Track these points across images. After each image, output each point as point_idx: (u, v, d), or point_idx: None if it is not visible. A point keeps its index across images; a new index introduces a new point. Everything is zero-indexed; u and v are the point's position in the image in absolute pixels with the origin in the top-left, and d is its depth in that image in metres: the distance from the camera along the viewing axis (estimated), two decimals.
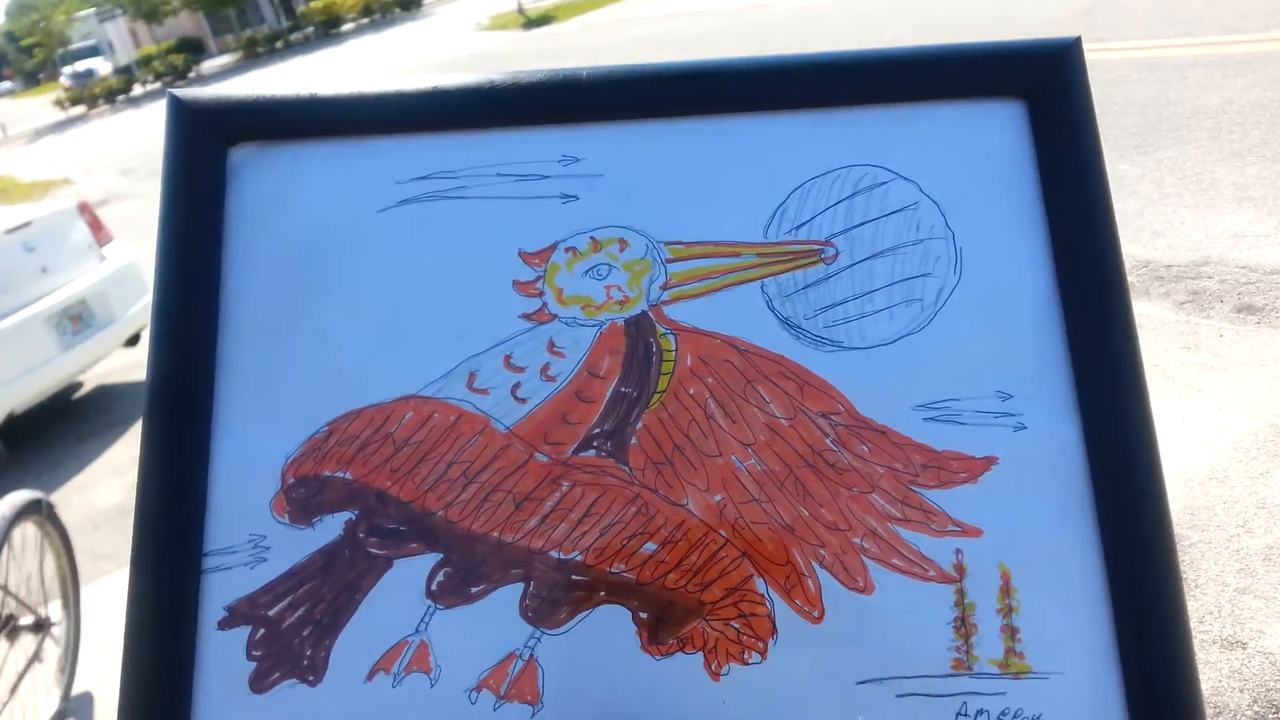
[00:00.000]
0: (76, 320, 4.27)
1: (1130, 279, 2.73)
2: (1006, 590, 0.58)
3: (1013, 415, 0.61)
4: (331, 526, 0.60)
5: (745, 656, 0.58)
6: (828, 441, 0.61)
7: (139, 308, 4.64)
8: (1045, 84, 0.65)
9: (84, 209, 4.62)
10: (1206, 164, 3.66)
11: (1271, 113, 3.98)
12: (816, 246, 0.64)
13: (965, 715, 0.57)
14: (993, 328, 0.62)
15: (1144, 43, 5.54)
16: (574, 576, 0.59)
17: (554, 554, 0.59)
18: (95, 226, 4.61)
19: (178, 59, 14.86)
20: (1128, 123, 4.27)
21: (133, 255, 4.78)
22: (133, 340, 4.71)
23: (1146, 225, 3.28)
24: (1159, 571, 0.58)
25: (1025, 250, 0.63)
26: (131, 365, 5.02)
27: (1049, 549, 0.59)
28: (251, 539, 0.59)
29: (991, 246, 0.63)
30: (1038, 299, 0.62)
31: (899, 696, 0.57)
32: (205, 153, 0.65)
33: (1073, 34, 0.68)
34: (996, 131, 0.66)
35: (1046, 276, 0.63)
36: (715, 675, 0.57)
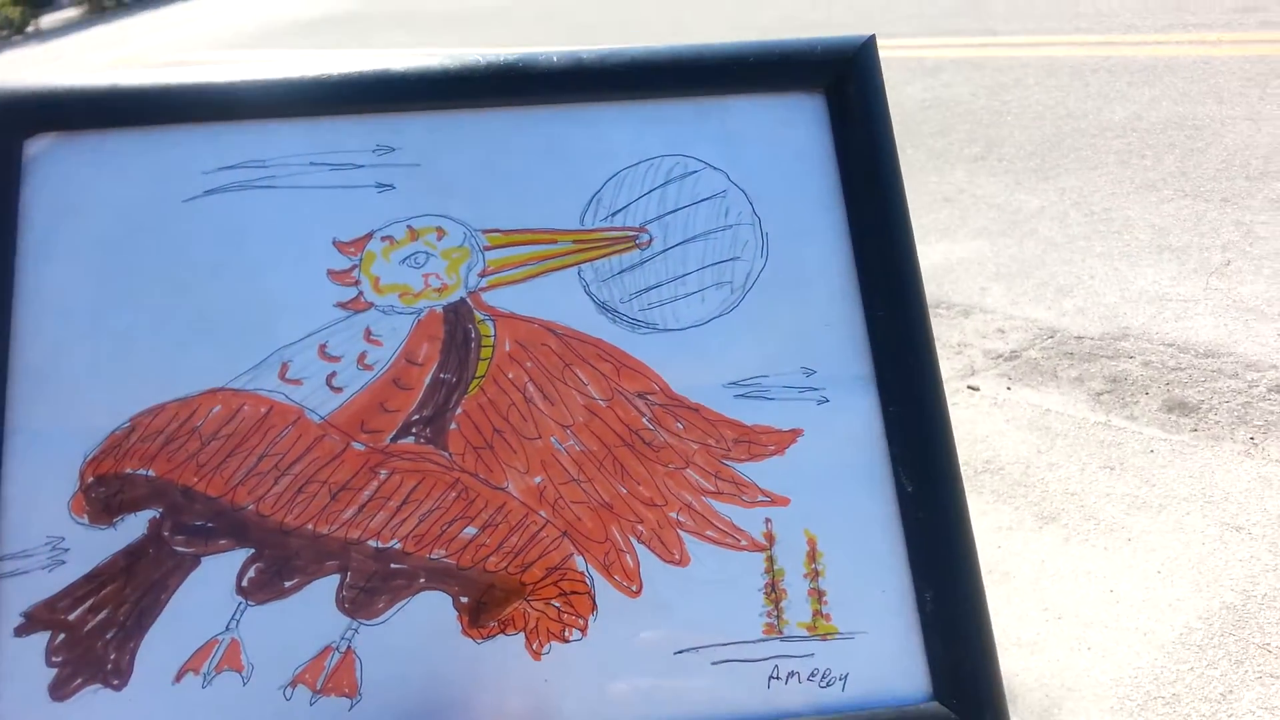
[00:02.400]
0: None
1: (1033, 353, 2.45)
2: (813, 555, 0.63)
3: (816, 389, 0.65)
4: (134, 525, 0.59)
5: (566, 634, 0.60)
6: (644, 421, 0.64)
7: None
8: (842, 79, 0.71)
9: None
10: (1117, 197, 3.29)
11: (1185, 133, 3.65)
12: (631, 232, 0.68)
13: (777, 678, 0.61)
14: (797, 308, 0.67)
15: (1040, 38, 5.08)
16: (393, 565, 0.60)
17: (372, 543, 0.61)
18: None
19: (14, 12, 13.82)
20: (1024, 138, 3.93)
21: None
22: None
23: (1051, 278, 2.80)
24: (952, 534, 0.63)
25: (826, 234, 0.68)
26: None
27: (852, 515, 0.64)
28: (49, 541, 0.59)
29: (796, 231, 0.69)
30: (838, 280, 0.68)
31: (714, 664, 0.61)
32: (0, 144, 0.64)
33: (868, 32, 0.74)
34: (799, 124, 0.71)
35: (846, 259, 0.68)
36: (537, 655, 0.60)
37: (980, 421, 2.30)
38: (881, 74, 0.71)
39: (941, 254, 3.14)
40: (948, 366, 2.56)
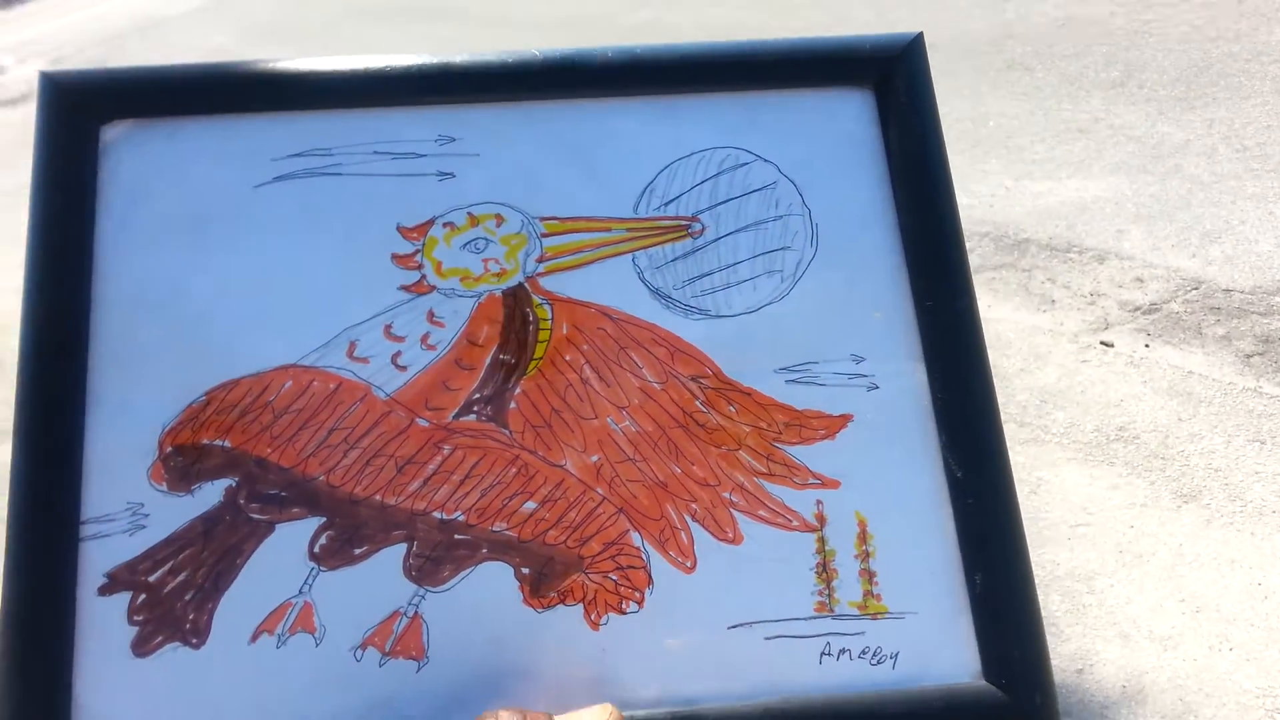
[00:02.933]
0: None
1: (1175, 306, 2.25)
2: (864, 537, 0.66)
3: (866, 376, 0.68)
4: (211, 493, 0.63)
5: (623, 606, 0.63)
6: (697, 403, 0.67)
7: None
8: (891, 74, 0.74)
9: None
10: (1273, 130, 2.89)
11: None
12: (684, 221, 0.71)
13: (829, 654, 0.64)
14: (847, 297, 0.70)
15: None
16: (456, 536, 0.63)
17: (436, 515, 0.64)
18: None
19: None
20: (1167, 63, 3.47)
21: None
22: None
23: (1196, 222, 2.52)
24: (1001, 517, 0.66)
25: (875, 225, 0.71)
26: None
27: (902, 498, 0.66)
28: (129, 506, 0.62)
29: (845, 222, 0.72)
30: (887, 271, 0.71)
31: (767, 639, 0.64)
32: (77, 131, 0.68)
33: (915, 29, 0.77)
34: (848, 118, 0.74)
35: (895, 250, 0.71)
36: (595, 625, 0.63)
37: (1114, 383, 2.12)
38: (929, 70, 0.74)
39: (1074, 191, 2.88)
40: (1079, 318, 2.36)
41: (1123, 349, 2.19)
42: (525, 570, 0.64)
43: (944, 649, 0.65)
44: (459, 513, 0.64)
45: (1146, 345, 2.18)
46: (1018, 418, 2.15)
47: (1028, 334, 2.46)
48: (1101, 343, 2.22)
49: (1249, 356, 2.08)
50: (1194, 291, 2.31)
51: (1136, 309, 2.30)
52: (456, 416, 0.66)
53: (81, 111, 0.69)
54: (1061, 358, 2.32)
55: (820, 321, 0.70)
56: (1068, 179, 2.94)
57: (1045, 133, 3.33)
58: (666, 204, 0.72)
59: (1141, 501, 1.76)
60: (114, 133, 0.70)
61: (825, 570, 0.65)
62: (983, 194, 3.11)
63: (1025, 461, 2.04)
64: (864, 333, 0.70)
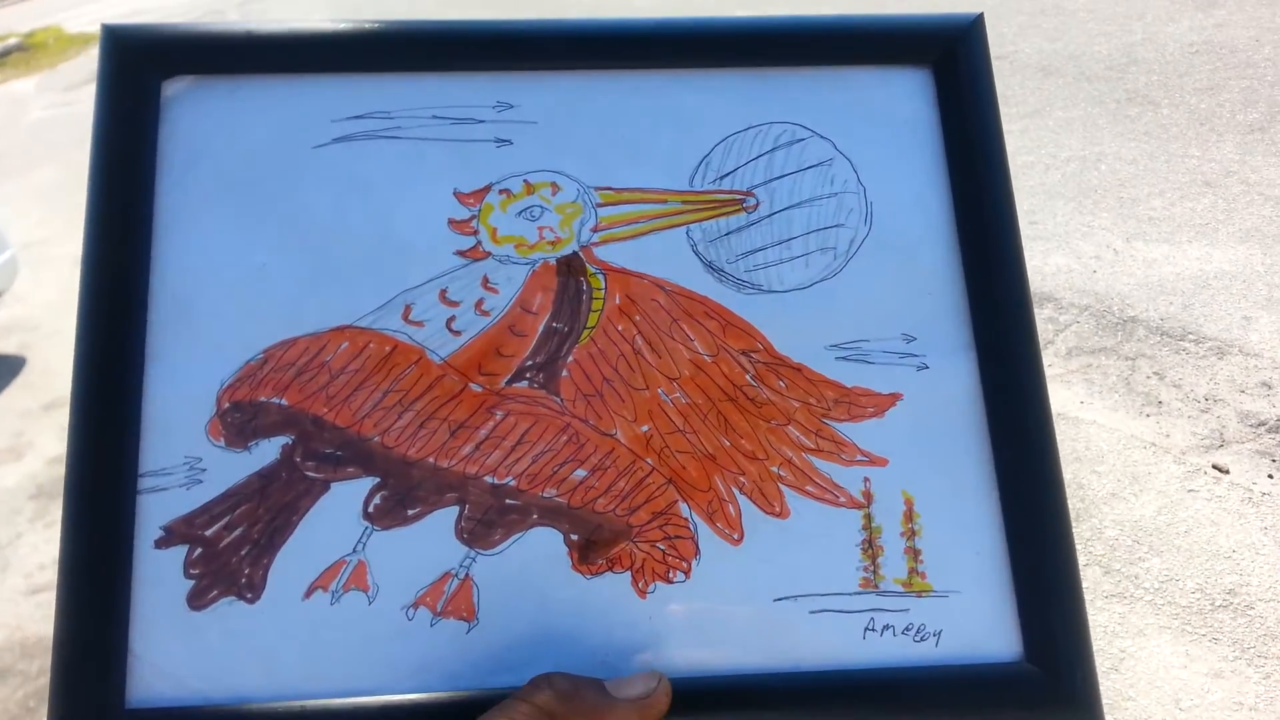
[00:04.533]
0: None
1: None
2: (910, 515, 0.65)
3: (916, 356, 0.68)
4: (268, 450, 0.63)
5: (670, 575, 0.63)
6: (748, 377, 0.67)
7: None
8: (951, 55, 0.73)
9: None
10: None
11: None
12: (739, 196, 0.70)
13: (873, 630, 0.64)
14: (899, 276, 0.69)
15: None
16: (507, 500, 0.63)
17: (488, 479, 0.64)
18: None
19: None
20: None
21: None
22: None
23: None
24: (1047, 499, 0.66)
25: (930, 205, 0.71)
26: None
27: (949, 478, 0.66)
28: (187, 461, 0.62)
29: (900, 201, 0.71)
30: (940, 250, 0.70)
31: (812, 612, 0.63)
32: (139, 84, 0.67)
33: (977, 9, 0.76)
34: (906, 96, 0.73)
35: (949, 229, 0.70)
36: (642, 593, 0.63)
37: (1226, 525, 1.65)
38: (989, 51, 0.73)
39: (1195, 261, 2.40)
40: (1188, 429, 1.86)
41: (1240, 478, 1.75)
42: (574, 536, 0.64)
43: (987, 628, 0.64)
44: (510, 478, 0.64)
45: (1270, 476, 1.72)
46: (1103, 560, 1.72)
47: (1124, 445, 2.00)
48: (1214, 467, 1.80)
49: None
50: None
51: (1261, 424, 1.84)
52: (509, 383, 0.66)
53: (143, 65, 0.68)
54: (1164, 482, 1.87)
55: (872, 300, 0.69)
56: (1188, 244, 2.48)
57: (1166, 184, 2.82)
58: (722, 177, 0.71)
59: (1252, 703, 1.31)
60: (175, 88, 0.69)
61: (871, 547, 0.65)
62: (1086, 254, 2.64)
63: (1107, 624, 1.62)
64: (915, 312, 0.69)
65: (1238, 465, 1.75)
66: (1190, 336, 2.12)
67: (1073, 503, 1.95)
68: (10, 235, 4.52)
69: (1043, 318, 2.76)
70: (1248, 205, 2.57)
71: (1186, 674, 1.50)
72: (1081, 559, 1.71)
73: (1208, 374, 2.01)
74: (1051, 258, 2.98)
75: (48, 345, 4.72)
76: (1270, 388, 1.88)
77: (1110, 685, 1.53)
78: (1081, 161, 3.27)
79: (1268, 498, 1.60)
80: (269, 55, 0.70)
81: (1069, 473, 1.99)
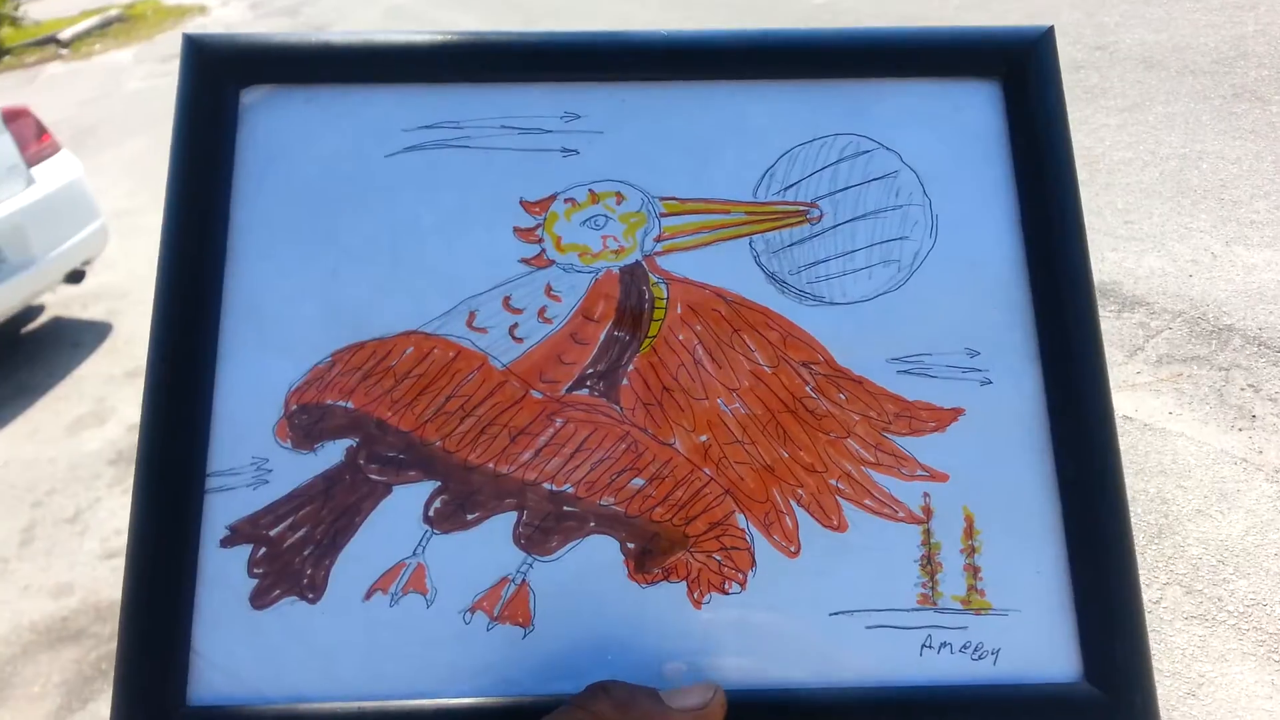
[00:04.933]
0: None
1: None
2: (970, 532, 0.64)
3: (979, 371, 0.67)
4: (333, 452, 0.64)
5: (726, 587, 0.63)
6: (808, 389, 0.66)
7: (80, 238, 4.03)
8: (1020, 68, 0.72)
9: (14, 116, 3.90)
10: None
11: None
12: (803, 207, 0.70)
13: (930, 647, 0.63)
14: (963, 290, 0.68)
15: None
16: (565, 507, 0.64)
17: (547, 485, 0.64)
18: (30, 138, 3.93)
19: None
20: None
21: (76, 172, 4.17)
22: (74, 276, 4.17)
23: None
24: (1111, 519, 0.64)
25: (996, 219, 0.70)
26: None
27: (1010, 495, 0.65)
28: (254, 462, 0.63)
29: (965, 214, 0.70)
30: (1006, 265, 0.69)
31: (869, 628, 0.63)
32: (218, 92, 0.69)
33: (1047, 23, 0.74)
34: (974, 109, 0.72)
35: (1015, 244, 0.69)
36: (698, 603, 0.63)
37: None
38: (1059, 65, 0.72)
39: None
40: None
41: None
42: (631, 545, 0.64)
43: (1046, 648, 0.63)
44: (568, 485, 0.64)
45: None
46: (1185, 580, 1.63)
47: (1213, 460, 1.91)
48: None
49: None
50: None
51: None
52: (569, 390, 0.66)
53: (222, 74, 0.70)
54: (1254, 501, 1.79)
55: (935, 314, 0.68)
56: None
57: (1272, 186, 2.75)
58: (786, 188, 0.71)
59: None
60: (253, 96, 0.71)
61: (930, 563, 0.64)
62: (1182, 257, 2.57)
63: (1186, 647, 1.51)
64: (979, 327, 0.68)
65: None
66: None
67: (1155, 518, 1.84)
68: (101, 204, 4.58)
69: (1133, 323, 2.67)
70: None
71: (1272, 704, 1.43)
72: (1162, 577, 1.64)
73: None
74: (1145, 259, 2.86)
75: (134, 313, 4.82)
76: None
77: (1187, 711, 1.45)
78: (1182, 159, 3.11)
79: None
80: (343, 65, 0.71)
81: (1153, 486, 1.88)
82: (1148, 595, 1.68)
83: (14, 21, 13.79)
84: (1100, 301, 2.78)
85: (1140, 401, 2.30)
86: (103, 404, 4.06)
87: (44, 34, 13.13)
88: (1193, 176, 3.04)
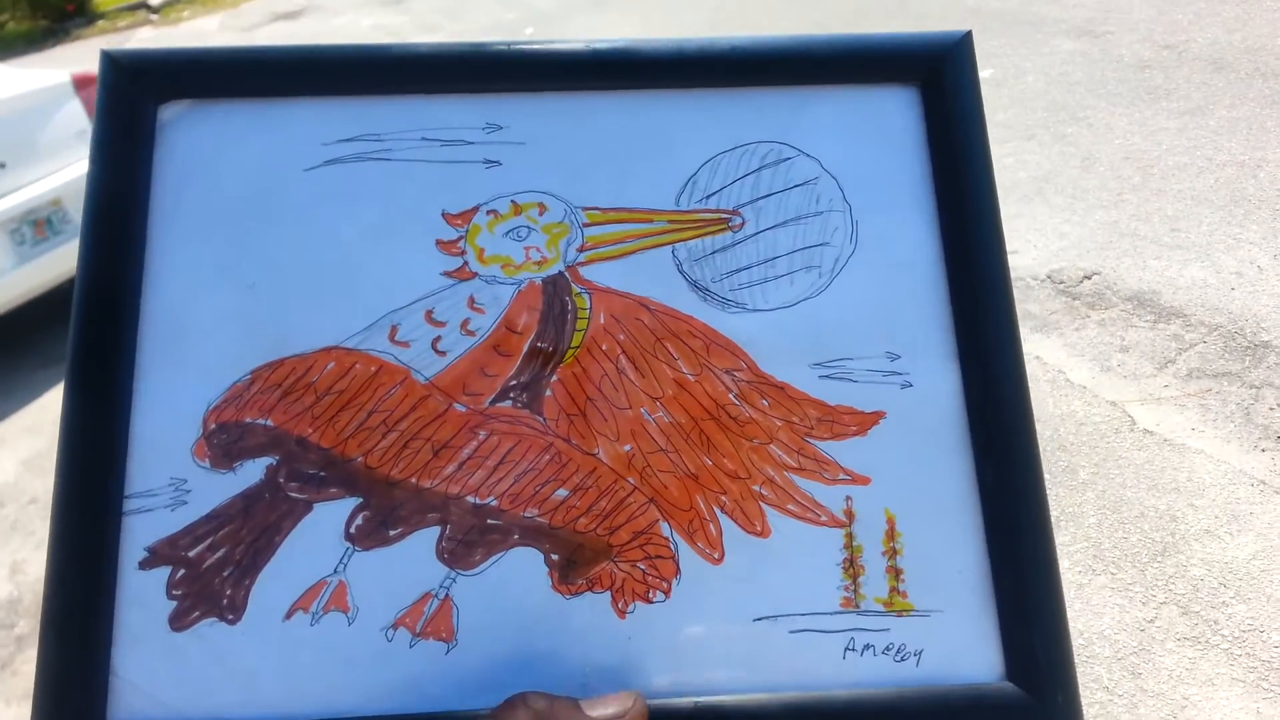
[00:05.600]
0: (42, 226, 3.64)
1: None
2: (891, 534, 0.65)
3: (900, 374, 0.67)
4: (252, 471, 0.63)
5: (650, 595, 0.63)
6: (730, 396, 0.66)
7: None
8: (938, 73, 0.72)
9: (86, 83, 3.88)
10: None
11: None
12: (725, 215, 0.70)
13: (853, 650, 0.63)
14: (884, 294, 0.68)
15: None
16: (489, 520, 0.63)
17: (470, 499, 0.64)
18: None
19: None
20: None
21: None
22: None
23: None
24: (1030, 518, 0.65)
25: (915, 224, 0.70)
26: None
27: (931, 497, 0.65)
28: (172, 482, 0.63)
29: (885, 219, 0.70)
30: (926, 268, 0.69)
31: (792, 632, 0.63)
32: (135, 109, 0.68)
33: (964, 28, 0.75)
34: (892, 114, 0.72)
35: (934, 248, 0.70)
36: (621, 613, 0.62)
37: None
38: (976, 69, 0.72)
39: None
40: None
41: None
42: (555, 556, 0.63)
43: (968, 648, 0.64)
44: (492, 498, 0.64)
45: None
46: (1183, 600, 1.58)
47: (1230, 480, 1.84)
48: None
49: None
50: None
51: None
52: (493, 403, 0.66)
53: (140, 90, 0.69)
54: (1266, 524, 1.72)
55: (856, 318, 0.68)
56: None
57: None
58: (708, 197, 0.71)
59: None
60: (171, 112, 0.70)
61: (852, 566, 0.65)
62: (1226, 269, 2.45)
63: (1174, 668, 1.47)
64: (900, 331, 0.68)
65: None
66: None
67: (1162, 535, 1.78)
68: None
69: (1167, 334, 2.57)
70: None
71: None
72: (1159, 596, 1.59)
73: None
74: (1188, 269, 2.76)
75: None
76: None
77: None
78: (1240, 167, 2.96)
79: None
80: (262, 79, 0.70)
81: (1164, 503, 1.82)
82: (1143, 613, 1.66)
83: None
84: (1137, 312, 2.65)
85: (1164, 416, 2.24)
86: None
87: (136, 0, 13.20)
88: (1249, 185, 2.88)
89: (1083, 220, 3.17)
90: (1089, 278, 2.74)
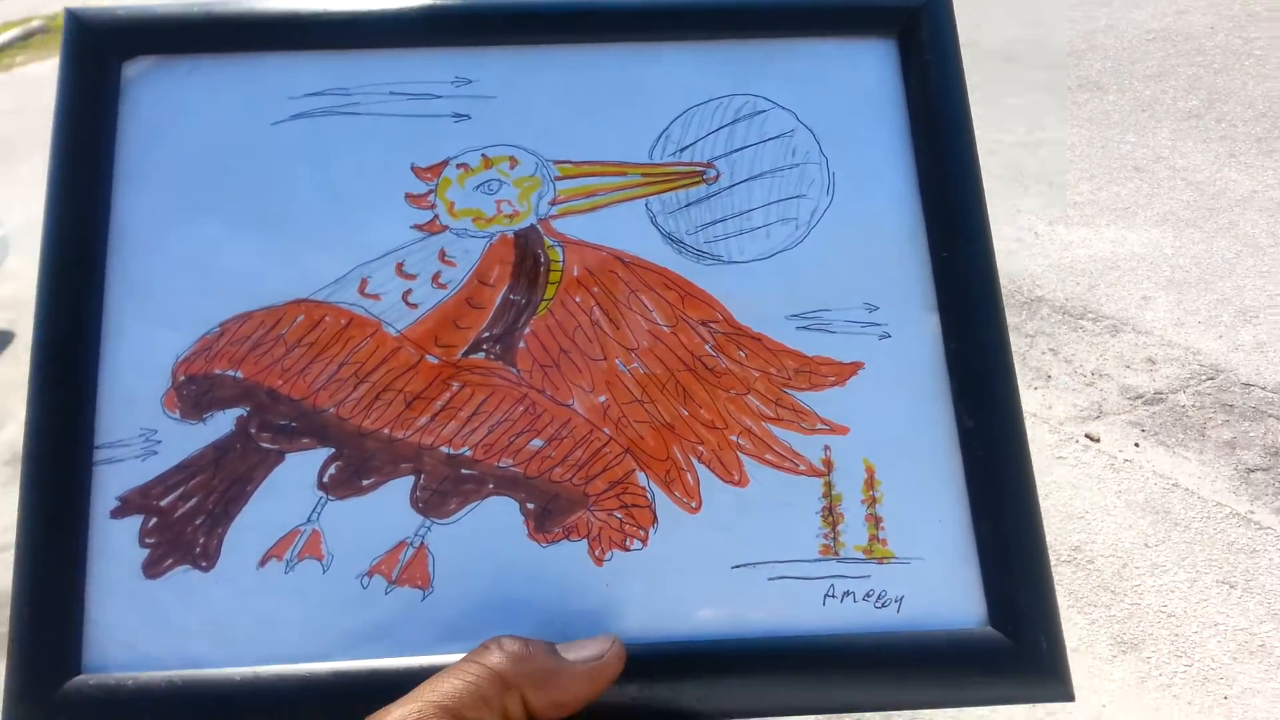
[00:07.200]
0: None
1: (1182, 398, 1.87)
2: (871, 483, 0.67)
3: (878, 325, 0.70)
4: (222, 422, 0.65)
5: (627, 543, 0.65)
6: (707, 347, 0.69)
7: None
8: (915, 25, 0.75)
9: None
10: None
11: None
12: (699, 167, 0.72)
13: (833, 596, 0.65)
14: (862, 246, 0.71)
15: None
16: (463, 470, 0.65)
17: (444, 449, 0.66)
18: None
19: None
20: (1256, 94, 2.98)
21: None
22: None
23: (1235, 294, 2.08)
24: (1011, 466, 0.67)
25: (892, 175, 0.73)
26: None
27: (910, 446, 0.68)
28: (143, 433, 0.65)
29: (862, 171, 0.73)
30: (903, 220, 0.72)
31: (770, 579, 0.65)
32: (100, 66, 0.70)
33: None
34: (869, 68, 0.75)
35: (912, 200, 0.72)
36: (599, 560, 0.65)
37: (1085, 489, 1.79)
38: (954, 20, 0.75)
39: (1109, 244, 2.53)
40: (1070, 401, 2.02)
41: (1108, 446, 1.89)
42: (530, 506, 0.66)
43: (950, 594, 0.66)
44: (466, 448, 0.66)
45: (1136, 445, 1.87)
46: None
47: None
48: (1087, 435, 1.95)
49: (1250, 471, 1.74)
50: (1208, 382, 1.97)
51: (1138, 397, 1.98)
52: (465, 354, 0.68)
53: (104, 47, 0.71)
54: (1035, 450, 1.80)
55: (833, 269, 0.71)
56: (1106, 227, 2.64)
57: (1098, 169, 2.95)
58: (682, 150, 0.73)
59: (1073, 645, 1.45)
60: (135, 69, 0.72)
61: (831, 514, 0.67)
62: (1008, 237, 2.76)
63: None
64: (878, 282, 0.71)
65: (1109, 434, 1.91)
66: (1089, 315, 2.28)
67: None
68: (10, 216, 4.83)
69: None
70: (1170, 190, 2.74)
71: None
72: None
73: (1098, 351, 2.17)
74: None
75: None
76: (1154, 363, 2.05)
77: None
78: (1025, 148, 3.31)
79: (1129, 464, 1.76)
80: (227, 34, 0.72)
81: None
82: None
83: None
84: None
85: None
86: (1, 408, 4.09)
87: None
88: (1030, 163, 3.21)
89: None
90: None
